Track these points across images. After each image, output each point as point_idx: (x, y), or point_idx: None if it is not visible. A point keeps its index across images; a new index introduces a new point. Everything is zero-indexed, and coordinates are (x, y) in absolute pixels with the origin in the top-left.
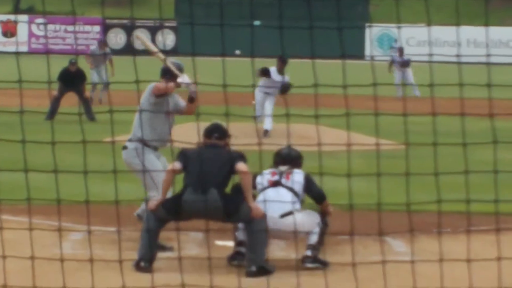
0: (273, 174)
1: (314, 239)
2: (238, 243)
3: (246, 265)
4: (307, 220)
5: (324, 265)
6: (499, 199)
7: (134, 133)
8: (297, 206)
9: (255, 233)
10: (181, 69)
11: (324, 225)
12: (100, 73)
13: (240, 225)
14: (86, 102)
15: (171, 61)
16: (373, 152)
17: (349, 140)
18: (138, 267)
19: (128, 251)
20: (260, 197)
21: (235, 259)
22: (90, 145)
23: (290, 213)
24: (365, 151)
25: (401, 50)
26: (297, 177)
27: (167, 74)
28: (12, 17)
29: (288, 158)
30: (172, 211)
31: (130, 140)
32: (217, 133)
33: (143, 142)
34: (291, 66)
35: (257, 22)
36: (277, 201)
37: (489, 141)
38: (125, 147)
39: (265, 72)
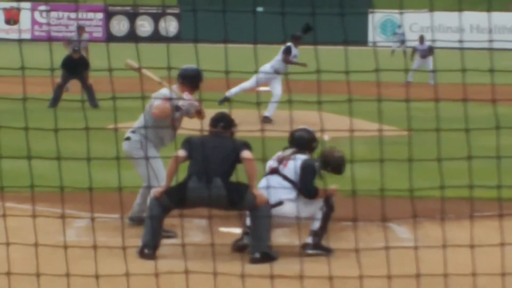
0: (277, 158)
1: (316, 225)
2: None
3: (250, 252)
4: (303, 208)
5: (326, 251)
6: (502, 185)
7: (138, 128)
8: (291, 195)
9: (259, 220)
10: (195, 77)
11: (328, 209)
12: None
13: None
14: (89, 89)
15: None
16: (376, 138)
17: (352, 126)
18: (142, 254)
19: (132, 238)
20: (262, 182)
21: (242, 240)
22: (94, 132)
23: (280, 203)
24: (368, 137)
25: (421, 38)
26: (294, 164)
27: (186, 79)
28: (15, 4)
29: (295, 142)
30: (176, 199)
31: (133, 132)
32: (222, 122)
33: (146, 137)
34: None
35: (260, 9)
36: (272, 187)
37: (491, 127)
38: (128, 138)
39: (288, 50)
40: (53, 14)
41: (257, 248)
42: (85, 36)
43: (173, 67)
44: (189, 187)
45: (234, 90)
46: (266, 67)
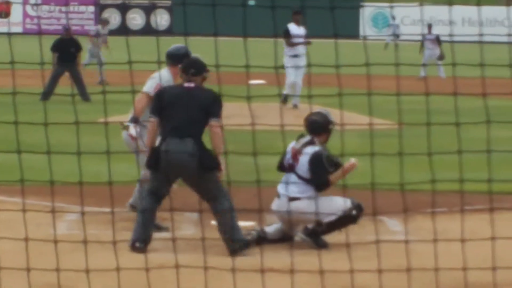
0: (292, 153)
1: (329, 218)
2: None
3: (228, 245)
4: (324, 206)
5: (317, 244)
6: (493, 179)
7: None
8: (307, 193)
9: (222, 214)
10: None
11: (358, 210)
12: (97, 53)
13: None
14: (79, 83)
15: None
16: (367, 131)
17: (342, 119)
18: (133, 247)
19: (123, 231)
20: (282, 179)
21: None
22: (85, 125)
23: (297, 198)
24: (359, 130)
25: (430, 27)
26: (305, 159)
27: (170, 59)
28: None
29: (310, 127)
30: (152, 163)
31: (131, 120)
32: (194, 68)
33: (144, 124)
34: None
35: (251, 2)
36: (286, 184)
37: (482, 121)
38: (127, 126)
39: (286, 33)
40: (44, 7)
41: (231, 243)
42: (106, 29)
43: (163, 61)
44: (162, 149)
45: (295, 99)
46: (284, 61)
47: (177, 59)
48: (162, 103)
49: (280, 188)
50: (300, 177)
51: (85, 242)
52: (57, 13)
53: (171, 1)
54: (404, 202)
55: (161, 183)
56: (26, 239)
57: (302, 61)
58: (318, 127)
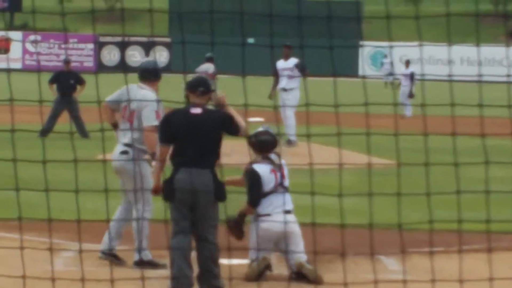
0: (273, 172)
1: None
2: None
3: (198, 282)
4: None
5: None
6: (491, 219)
7: (130, 139)
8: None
9: (210, 246)
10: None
11: None
12: None
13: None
14: (78, 120)
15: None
16: (365, 169)
17: (341, 159)
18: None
19: (119, 268)
20: (267, 201)
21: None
22: (83, 162)
23: (290, 211)
24: (357, 168)
25: (407, 63)
26: (286, 171)
27: (146, 73)
28: (5, 33)
29: (274, 143)
30: (169, 195)
31: (129, 145)
32: (202, 87)
33: (143, 150)
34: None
35: (251, 40)
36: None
37: (481, 162)
38: (125, 152)
39: (276, 79)
40: (44, 43)
41: (204, 280)
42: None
43: (163, 99)
44: (176, 178)
45: (292, 132)
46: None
47: (157, 74)
48: (172, 131)
49: (274, 208)
50: (287, 189)
51: (82, 280)
52: (56, 50)
53: (171, 37)
54: (401, 241)
55: (183, 217)
56: (24, 277)
57: (291, 95)
58: (275, 145)
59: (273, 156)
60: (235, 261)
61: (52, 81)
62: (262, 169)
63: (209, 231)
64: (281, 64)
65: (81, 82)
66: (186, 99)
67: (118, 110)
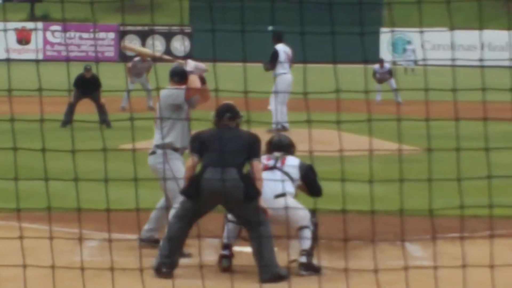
0: (268, 159)
1: (307, 244)
2: (223, 247)
3: (260, 272)
4: (300, 209)
5: (317, 271)
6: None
7: (159, 139)
8: (292, 189)
9: (262, 241)
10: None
11: (314, 226)
12: (144, 82)
13: (226, 231)
14: (101, 109)
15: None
16: (391, 156)
17: (371, 146)
18: (159, 272)
19: (145, 258)
20: (264, 175)
21: (221, 263)
22: (107, 152)
23: (283, 194)
24: (384, 155)
25: (382, 62)
26: (292, 161)
27: (176, 76)
28: (27, 24)
29: (281, 145)
30: (192, 191)
31: (157, 146)
32: (229, 113)
33: (172, 147)
34: (311, 71)
35: (270, 27)
36: (272, 181)
37: (511, 146)
38: (153, 152)
39: (275, 55)
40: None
41: (267, 267)
42: (149, 59)
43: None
44: (204, 178)
45: (280, 117)
46: (273, 88)
47: (183, 76)
48: (202, 142)
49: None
50: (286, 173)
51: (111, 269)
52: (77, 40)
53: (192, 27)
54: (432, 227)
55: (195, 212)
56: (53, 267)
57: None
58: (284, 146)
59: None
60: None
61: (75, 85)
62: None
63: (254, 228)
64: (282, 53)
65: (100, 86)
66: (214, 125)
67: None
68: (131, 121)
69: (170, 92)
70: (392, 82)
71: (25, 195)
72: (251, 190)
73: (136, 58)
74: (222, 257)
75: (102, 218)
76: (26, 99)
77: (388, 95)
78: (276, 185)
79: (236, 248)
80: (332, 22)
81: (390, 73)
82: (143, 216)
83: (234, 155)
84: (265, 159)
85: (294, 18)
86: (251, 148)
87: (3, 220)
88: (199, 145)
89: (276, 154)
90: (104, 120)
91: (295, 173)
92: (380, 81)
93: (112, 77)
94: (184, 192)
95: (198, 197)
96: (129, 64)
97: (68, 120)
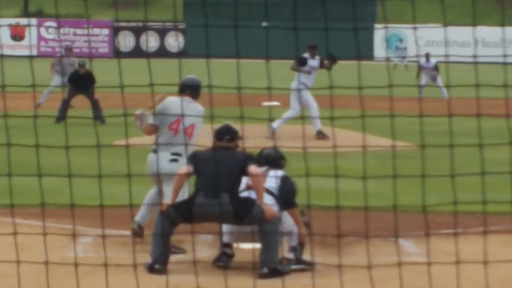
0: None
1: (294, 241)
2: (224, 245)
3: (259, 267)
4: (286, 220)
5: (308, 265)
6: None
7: (184, 151)
8: (275, 208)
9: (267, 235)
10: (198, 86)
11: (306, 225)
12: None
13: (225, 228)
14: (95, 105)
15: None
16: (385, 152)
17: (364, 142)
18: (152, 269)
19: (139, 254)
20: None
21: (220, 261)
22: (99, 148)
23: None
24: (378, 152)
25: (427, 56)
26: (272, 180)
27: (189, 89)
28: (21, 20)
29: (267, 159)
30: (184, 215)
31: (180, 155)
32: (228, 135)
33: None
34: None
35: (264, 24)
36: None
37: (505, 142)
38: (175, 160)
39: (303, 61)
40: (59, 29)
41: (265, 263)
42: (73, 57)
43: (176, 83)
44: (196, 203)
45: (278, 122)
46: (293, 85)
47: (190, 88)
48: (197, 161)
49: None
50: (268, 191)
51: (105, 265)
52: (71, 36)
53: (186, 23)
54: (426, 223)
55: (182, 221)
56: (47, 263)
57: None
58: (271, 160)
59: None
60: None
61: (69, 81)
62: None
63: (261, 225)
64: (310, 61)
65: (94, 82)
66: (213, 146)
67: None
68: (125, 117)
69: (201, 109)
70: (439, 79)
71: (19, 191)
72: (243, 210)
73: (59, 54)
74: (222, 254)
75: (96, 214)
76: (19, 95)
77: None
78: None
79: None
80: (326, 18)
81: (436, 68)
82: (136, 211)
83: (226, 177)
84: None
85: (287, 14)
86: (244, 162)
87: None
88: (195, 162)
89: (262, 168)
90: (98, 116)
91: (276, 190)
92: (433, 78)
93: (106, 73)
94: (177, 213)
95: (189, 219)
96: (52, 61)
97: (62, 116)
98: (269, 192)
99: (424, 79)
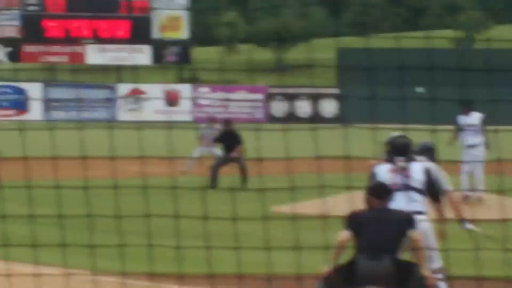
0: (393, 172)
1: (438, 263)
2: None
3: None
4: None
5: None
6: None
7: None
8: (423, 208)
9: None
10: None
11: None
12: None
13: None
14: (244, 171)
15: None
16: None
17: None
18: None
19: None
20: (398, 200)
21: None
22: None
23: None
24: None
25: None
26: (417, 173)
27: (428, 151)
28: (176, 86)
29: (404, 149)
30: (347, 277)
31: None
32: (388, 194)
33: None
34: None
35: (420, 89)
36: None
37: None
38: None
39: (468, 108)
40: (213, 95)
41: None
42: (217, 127)
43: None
44: (359, 265)
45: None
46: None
47: (429, 151)
48: (357, 221)
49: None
50: (419, 191)
51: None
52: (224, 101)
53: (339, 88)
54: None
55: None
56: None
57: (478, 151)
58: (408, 150)
59: (400, 158)
60: None
61: (217, 140)
62: (380, 168)
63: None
64: (462, 119)
65: (240, 141)
66: (367, 203)
67: None
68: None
69: (437, 169)
70: None
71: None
72: (405, 274)
73: (203, 125)
74: None
75: None
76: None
77: None
78: (407, 207)
79: None
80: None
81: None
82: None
83: (386, 240)
84: (389, 172)
85: (453, 80)
86: (406, 225)
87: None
88: (355, 225)
89: (400, 163)
90: (243, 183)
91: (423, 185)
92: None
93: (258, 138)
94: (339, 277)
95: (352, 282)
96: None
97: (213, 182)
98: (419, 191)
99: None
